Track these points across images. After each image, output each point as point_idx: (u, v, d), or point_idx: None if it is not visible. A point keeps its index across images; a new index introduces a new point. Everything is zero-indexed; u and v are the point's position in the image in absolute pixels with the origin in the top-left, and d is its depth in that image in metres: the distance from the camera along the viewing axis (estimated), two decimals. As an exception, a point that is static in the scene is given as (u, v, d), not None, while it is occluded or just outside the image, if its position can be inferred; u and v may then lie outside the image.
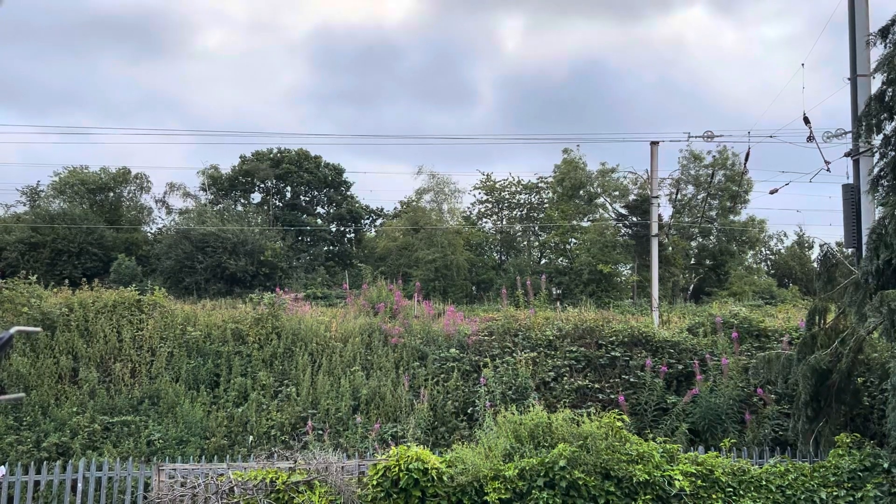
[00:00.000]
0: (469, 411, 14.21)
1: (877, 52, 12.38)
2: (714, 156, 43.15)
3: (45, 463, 11.79)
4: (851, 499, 10.33)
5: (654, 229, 30.98)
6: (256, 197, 46.41)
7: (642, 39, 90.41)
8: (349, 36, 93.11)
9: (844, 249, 15.80)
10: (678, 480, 10.06)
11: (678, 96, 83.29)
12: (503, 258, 45.62)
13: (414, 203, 43.93)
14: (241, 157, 45.58)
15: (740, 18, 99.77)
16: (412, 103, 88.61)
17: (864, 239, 13.16)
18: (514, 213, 47.12)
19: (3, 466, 11.54)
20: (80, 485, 11.23)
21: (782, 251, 54.05)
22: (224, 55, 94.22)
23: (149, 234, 42.58)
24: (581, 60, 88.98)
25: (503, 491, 9.72)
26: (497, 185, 45.78)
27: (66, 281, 21.32)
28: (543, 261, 45.44)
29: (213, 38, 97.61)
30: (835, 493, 10.39)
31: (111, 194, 42.52)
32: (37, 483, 11.37)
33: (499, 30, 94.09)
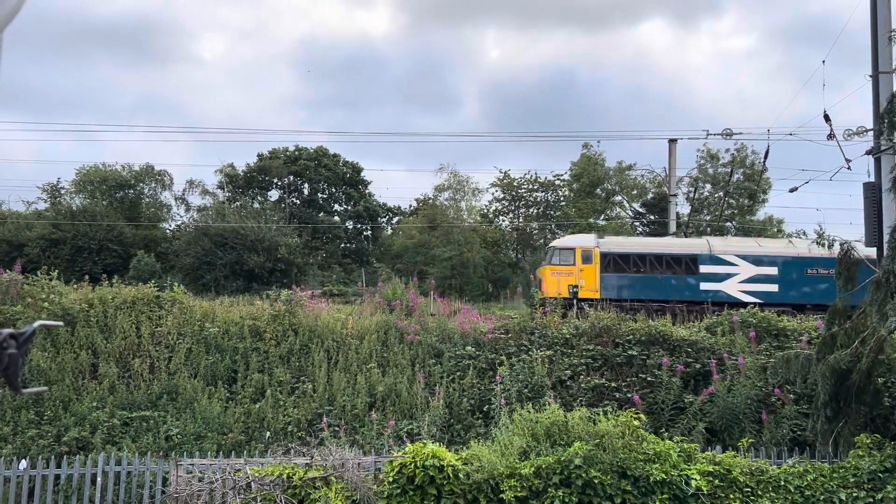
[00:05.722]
0: (485, 409, 14.20)
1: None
2: (733, 154, 42.88)
3: (65, 457, 11.92)
4: (871, 500, 10.23)
5: (672, 228, 30.77)
6: (274, 194, 46.64)
7: (611, 48, 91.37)
8: (334, 47, 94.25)
9: (865, 248, 15.62)
10: (695, 480, 10.00)
11: (656, 103, 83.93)
12: (519, 256, 45.50)
13: (430, 201, 43.94)
14: (258, 155, 45.83)
15: (699, 32, 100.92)
16: (399, 109, 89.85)
17: (886, 238, 13.01)
18: (531, 210, 46.98)
19: (24, 460, 11.68)
20: (99, 479, 11.34)
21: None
22: (218, 63, 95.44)
23: (168, 231, 42.91)
24: (555, 66, 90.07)
25: (519, 489, 9.71)
26: (514, 183, 45.68)
27: (87, 277, 21.49)
28: (560, 259, 45.24)
29: (207, 46, 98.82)
30: (854, 495, 10.28)
31: (131, 192, 42.89)
32: (57, 477, 11.50)
33: (477, 40, 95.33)
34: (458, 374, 15.04)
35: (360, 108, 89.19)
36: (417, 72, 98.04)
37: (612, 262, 24.98)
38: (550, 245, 27.97)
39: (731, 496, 10.10)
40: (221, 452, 12.03)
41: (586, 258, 24.87)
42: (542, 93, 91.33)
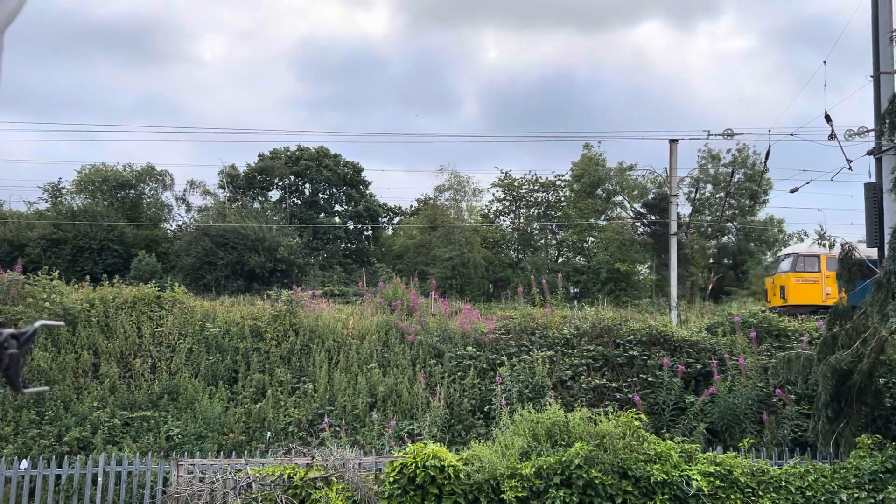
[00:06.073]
0: (485, 409, 14.20)
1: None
2: (734, 154, 42.86)
3: (66, 457, 11.93)
4: (873, 501, 10.22)
5: (673, 228, 30.76)
6: (275, 195, 46.67)
7: (609, 49, 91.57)
8: (333, 47, 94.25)
9: (867, 249, 15.61)
10: (696, 480, 10.00)
11: (655, 103, 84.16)
12: (520, 256, 45.51)
13: (431, 201, 43.96)
14: (259, 155, 45.85)
15: (697, 33, 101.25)
16: (398, 109, 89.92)
17: (887, 238, 13.00)
18: (532, 210, 46.97)
19: (25, 460, 11.69)
20: (100, 479, 11.35)
21: (803, 250, 53.42)
22: (218, 63, 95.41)
23: (169, 231, 42.93)
24: (553, 67, 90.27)
25: (520, 489, 9.71)
26: (515, 183, 45.68)
27: (87, 277, 21.52)
28: (561, 259, 45.31)
29: (206, 47, 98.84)
30: (855, 495, 10.28)
31: (132, 192, 42.90)
32: (58, 477, 11.50)
33: (475, 41, 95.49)
34: (458, 374, 15.03)
35: (359, 109, 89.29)
36: (416, 72, 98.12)
37: (858, 269, 24.59)
38: (789, 252, 27.61)
39: (733, 497, 10.10)
40: (222, 452, 12.04)
41: (832, 265, 24.72)
42: (541, 93, 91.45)
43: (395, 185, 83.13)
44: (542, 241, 47.24)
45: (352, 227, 47.24)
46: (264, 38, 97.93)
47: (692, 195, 44.81)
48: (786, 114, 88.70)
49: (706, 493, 9.99)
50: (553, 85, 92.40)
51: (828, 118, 17.97)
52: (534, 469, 9.87)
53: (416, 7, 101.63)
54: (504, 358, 14.92)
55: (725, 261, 45.71)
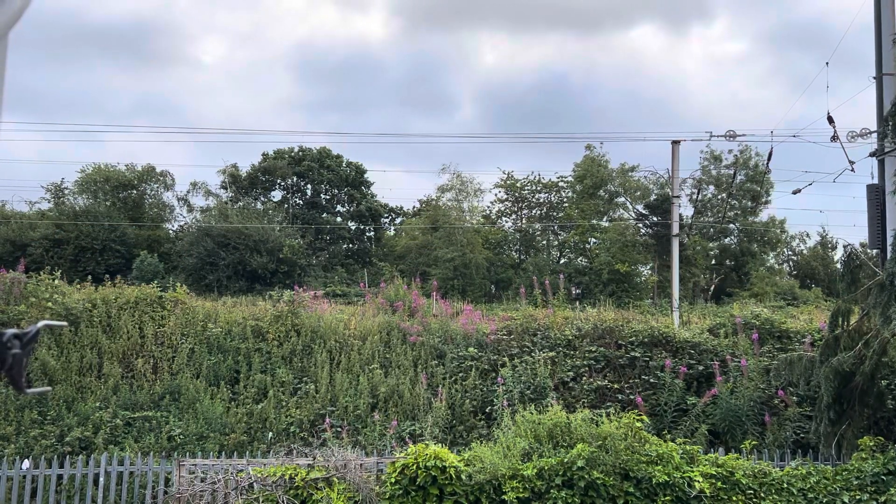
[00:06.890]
0: (487, 410, 14.20)
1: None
2: (736, 155, 42.85)
3: (67, 457, 11.94)
4: (875, 503, 10.20)
5: (675, 229, 30.74)
6: (277, 195, 46.70)
7: (604, 52, 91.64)
8: (331, 50, 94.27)
9: (869, 250, 15.59)
10: (698, 482, 9.99)
11: (651, 106, 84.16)
12: (522, 257, 45.49)
13: (434, 201, 43.96)
14: (263, 154, 45.89)
15: (690, 37, 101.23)
16: (395, 111, 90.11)
17: (889, 240, 12.99)
18: (534, 211, 46.97)
19: (26, 460, 11.70)
20: (101, 479, 11.36)
21: (805, 252, 53.44)
22: (217, 66, 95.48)
23: (171, 232, 42.96)
24: (549, 70, 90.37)
25: (521, 490, 9.70)
26: (518, 184, 45.68)
27: (90, 277, 21.52)
28: (563, 260, 45.29)
29: (206, 50, 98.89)
30: (857, 497, 10.26)
31: (134, 192, 42.95)
32: (59, 477, 11.51)
33: (470, 44, 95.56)
34: (460, 375, 15.03)
35: (357, 111, 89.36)
36: (414, 75, 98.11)
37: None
38: None
39: (734, 498, 10.08)
40: (224, 453, 12.04)
41: None
42: (537, 96, 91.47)
43: (396, 186, 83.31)
44: (544, 242, 47.23)
45: (354, 227, 47.27)
46: (263, 41, 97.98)
47: (694, 196, 44.80)
48: (783, 117, 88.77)
49: (708, 494, 9.97)
50: (549, 87, 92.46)
51: (830, 120, 17.94)
52: (535, 470, 9.87)
53: (411, 11, 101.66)
54: (506, 359, 14.92)
55: (727, 262, 45.69)
